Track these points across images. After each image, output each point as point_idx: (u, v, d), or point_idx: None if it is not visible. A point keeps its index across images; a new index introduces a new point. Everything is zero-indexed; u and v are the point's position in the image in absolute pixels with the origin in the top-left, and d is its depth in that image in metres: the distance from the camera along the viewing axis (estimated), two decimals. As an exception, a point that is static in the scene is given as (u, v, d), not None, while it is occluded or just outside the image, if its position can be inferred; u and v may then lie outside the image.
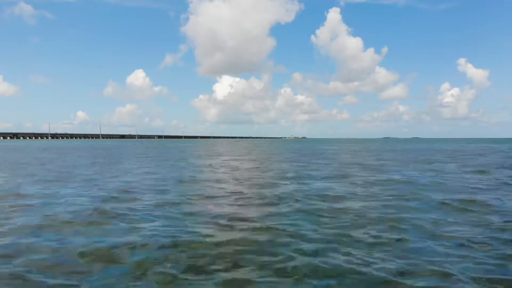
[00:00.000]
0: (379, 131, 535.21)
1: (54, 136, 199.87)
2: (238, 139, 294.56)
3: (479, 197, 8.93)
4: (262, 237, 5.44)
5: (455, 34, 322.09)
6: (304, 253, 4.74)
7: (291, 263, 4.37)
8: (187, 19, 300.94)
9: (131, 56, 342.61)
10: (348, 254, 4.70)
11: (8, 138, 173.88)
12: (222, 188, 10.61)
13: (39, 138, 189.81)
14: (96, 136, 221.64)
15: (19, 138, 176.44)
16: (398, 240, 5.34)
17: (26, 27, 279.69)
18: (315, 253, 4.72)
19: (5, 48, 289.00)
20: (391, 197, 8.95)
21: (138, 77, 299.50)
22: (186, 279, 3.95)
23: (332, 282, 3.88)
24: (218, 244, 5.09)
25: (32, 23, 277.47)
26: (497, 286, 3.79)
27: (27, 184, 11.63)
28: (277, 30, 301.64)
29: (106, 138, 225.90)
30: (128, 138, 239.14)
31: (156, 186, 11.14)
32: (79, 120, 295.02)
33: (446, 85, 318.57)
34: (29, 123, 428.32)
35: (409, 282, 3.85)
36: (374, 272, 4.09)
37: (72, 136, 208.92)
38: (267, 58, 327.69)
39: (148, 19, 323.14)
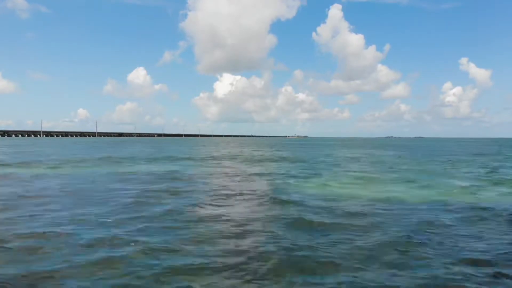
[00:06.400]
0: (381, 130, 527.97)
1: (48, 134, 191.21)
2: (240, 137, 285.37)
3: None
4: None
5: (458, 34, 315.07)
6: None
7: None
8: (186, 15, 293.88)
9: (130, 54, 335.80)
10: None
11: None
12: None
13: (32, 136, 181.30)
14: (93, 134, 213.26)
15: (11, 136, 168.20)
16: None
17: (20, 21, 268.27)
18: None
19: (1, 44, 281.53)
20: None
21: (139, 75, 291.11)
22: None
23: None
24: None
25: (25, 17, 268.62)
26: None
27: None
28: (277, 27, 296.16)
29: (103, 136, 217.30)
30: (126, 136, 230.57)
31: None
32: (79, 118, 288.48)
33: (448, 85, 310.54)
34: (29, 120, 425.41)
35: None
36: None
37: (67, 134, 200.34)
38: (268, 55, 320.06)
39: (146, 16, 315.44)
